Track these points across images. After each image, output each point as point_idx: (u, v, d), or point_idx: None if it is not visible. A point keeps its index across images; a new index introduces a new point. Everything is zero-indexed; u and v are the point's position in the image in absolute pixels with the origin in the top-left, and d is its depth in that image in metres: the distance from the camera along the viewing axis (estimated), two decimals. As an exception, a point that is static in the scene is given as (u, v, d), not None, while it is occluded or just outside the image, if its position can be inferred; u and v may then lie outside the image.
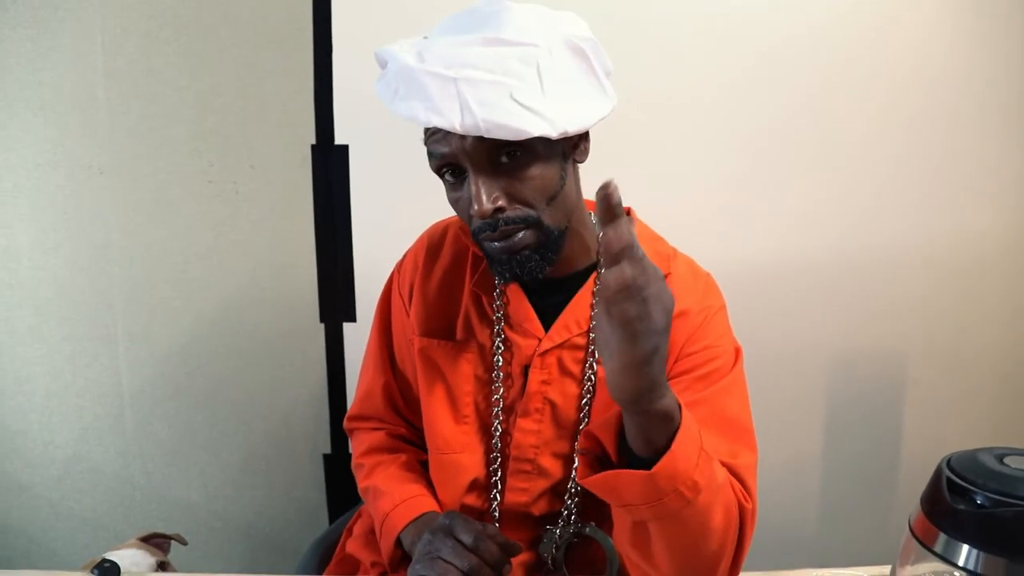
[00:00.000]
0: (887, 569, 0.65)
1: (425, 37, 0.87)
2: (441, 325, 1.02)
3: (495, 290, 1.00)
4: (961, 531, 0.55)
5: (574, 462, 0.97)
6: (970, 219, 1.58)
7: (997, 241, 1.60)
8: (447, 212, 0.98)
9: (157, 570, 1.18)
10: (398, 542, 0.99)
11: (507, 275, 0.91)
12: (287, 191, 1.67)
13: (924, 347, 1.63)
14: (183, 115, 1.67)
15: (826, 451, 1.66)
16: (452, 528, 0.87)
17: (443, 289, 1.03)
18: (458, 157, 0.84)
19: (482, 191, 0.83)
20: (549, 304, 0.98)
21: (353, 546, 1.13)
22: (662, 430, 0.71)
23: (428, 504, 1.01)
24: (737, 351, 0.99)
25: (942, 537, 0.56)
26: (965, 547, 0.54)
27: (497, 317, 0.99)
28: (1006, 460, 0.57)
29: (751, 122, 1.53)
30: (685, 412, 0.74)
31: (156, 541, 1.35)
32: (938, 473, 0.59)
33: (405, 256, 1.11)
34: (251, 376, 1.75)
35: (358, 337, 1.62)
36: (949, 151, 1.56)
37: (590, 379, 0.96)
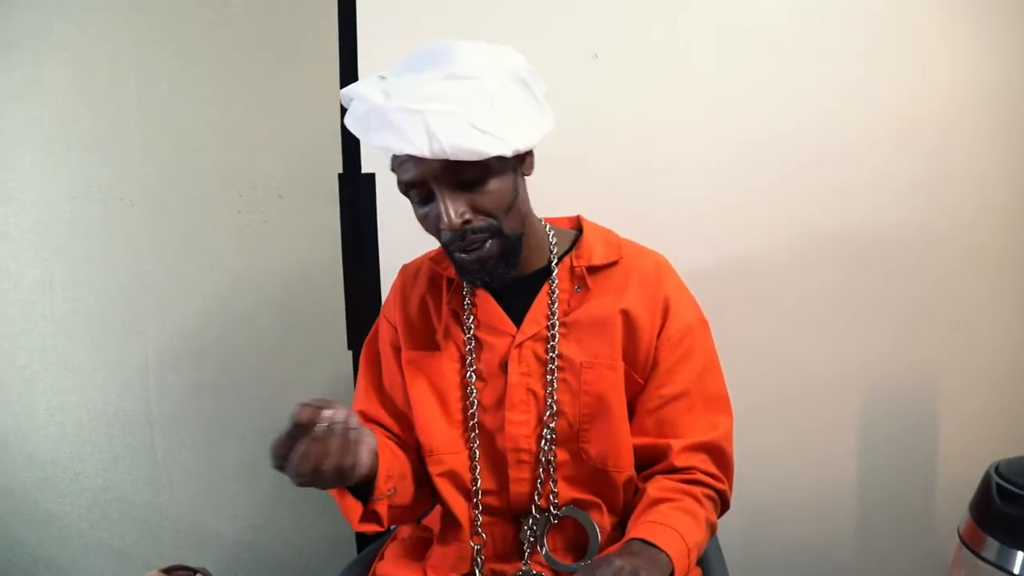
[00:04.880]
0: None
1: (382, 76, 0.99)
2: (423, 339, 1.13)
3: (465, 301, 1.11)
4: (1014, 536, 0.54)
5: (566, 445, 1.07)
6: (1002, 220, 1.56)
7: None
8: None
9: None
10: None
11: (477, 281, 1.06)
12: (315, 219, 1.69)
13: (958, 359, 1.60)
14: (212, 148, 1.71)
15: (861, 471, 1.63)
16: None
17: (422, 309, 1.14)
18: (426, 179, 0.96)
19: (450, 208, 0.95)
20: (514, 304, 1.09)
21: (384, 569, 1.13)
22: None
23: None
24: (704, 323, 1.13)
25: (994, 544, 0.55)
26: (1020, 553, 0.54)
27: (473, 323, 1.10)
28: (1056, 464, 0.57)
29: (773, 124, 1.53)
30: (669, 546, 0.93)
31: (180, 574, 1.35)
32: (986, 479, 0.58)
33: (387, 299, 1.21)
34: (280, 405, 1.74)
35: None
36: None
37: (552, 360, 1.06)
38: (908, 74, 1.52)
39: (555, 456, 1.07)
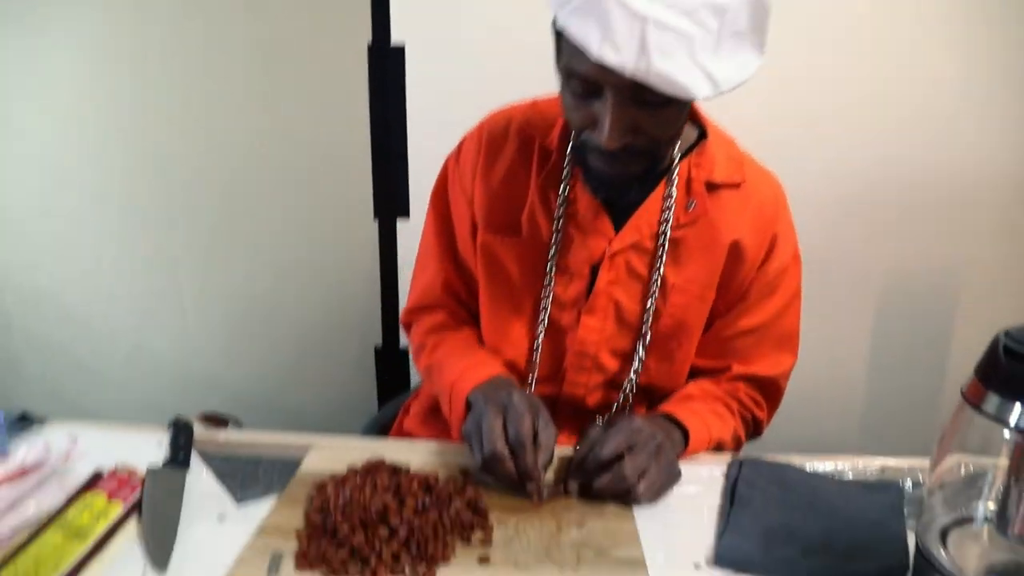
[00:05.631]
0: (927, 461, 0.67)
1: None
2: (505, 220, 1.01)
3: (564, 185, 0.98)
4: (1014, 390, 0.57)
5: (632, 358, 1.01)
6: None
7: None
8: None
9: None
10: (468, 405, 0.95)
11: (601, 193, 0.95)
12: (343, 90, 1.67)
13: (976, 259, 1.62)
14: (239, 18, 1.67)
15: (873, 351, 1.67)
16: (507, 410, 0.84)
17: (507, 183, 1.01)
18: (604, 83, 0.80)
19: (616, 125, 0.81)
20: (618, 204, 0.97)
21: (411, 424, 1.17)
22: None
23: (496, 368, 0.99)
24: (797, 258, 1.05)
25: (994, 398, 0.58)
26: (1018, 404, 0.57)
27: (562, 214, 0.98)
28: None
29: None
30: (692, 428, 0.93)
31: (213, 422, 1.43)
32: (995, 342, 0.61)
33: (462, 147, 1.08)
34: (306, 270, 1.80)
35: (411, 234, 1.64)
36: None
37: (656, 282, 0.98)
38: None
39: (633, 381, 1.02)
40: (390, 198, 1.67)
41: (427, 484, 0.79)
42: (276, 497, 0.83)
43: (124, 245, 1.84)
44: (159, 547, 0.75)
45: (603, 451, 0.82)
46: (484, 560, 0.70)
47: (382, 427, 1.28)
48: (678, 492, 0.85)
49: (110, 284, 1.87)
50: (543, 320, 1.01)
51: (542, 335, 1.02)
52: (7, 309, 1.92)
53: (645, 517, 0.80)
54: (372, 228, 1.70)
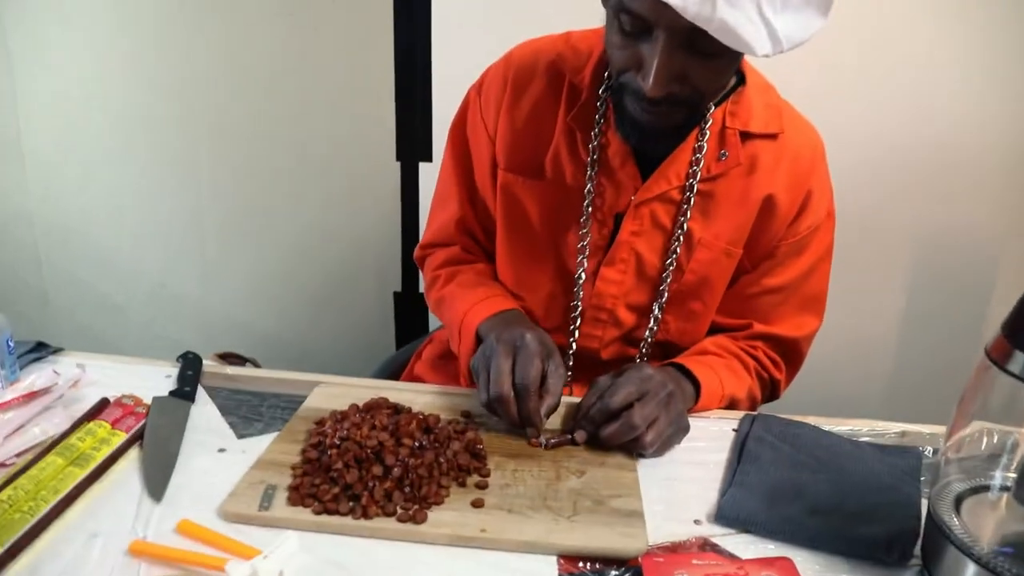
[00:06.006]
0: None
1: None
2: (528, 160, 0.96)
3: (594, 128, 0.92)
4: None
5: (649, 314, 0.98)
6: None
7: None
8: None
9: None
10: (478, 339, 0.93)
11: (633, 139, 0.87)
12: (367, 27, 1.64)
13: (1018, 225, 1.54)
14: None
15: (905, 318, 1.62)
16: (518, 351, 0.81)
17: (532, 121, 0.95)
18: (656, 23, 0.74)
19: (663, 71, 0.75)
20: (648, 151, 0.91)
21: (421, 368, 1.16)
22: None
23: (508, 303, 0.97)
24: (831, 215, 1.00)
25: (1020, 356, 0.54)
26: (1045, 364, 0.53)
27: (592, 160, 0.93)
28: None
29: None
30: (704, 381, 0.90)
31: (232, 360, 1.43)
32: (1022, 300, 0.57)
33: (485, 78, 1.01)
34: (326, 211, 1.79)
35: (433, 177, 1.61)
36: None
37: (679, 238, 0.93)
38: None
39: (650, 338, 0.98)
40: (413, 141, 1.63)
41: (426, 425, 0.78)
42: (277, 433, 0.82)
43: (149, 183, 1.85)
44: (156, 476, 0.75)
45: (613, 400, 0.79)
46: (478, 504, 0.69)
47: (394, 371, 1.27)
48: (685, 445, 0.83)
49: (135, 222, 1.89)
50: (580, 275, 0.96)
51: (557, 282, 0.98)
52: (36, 244, 1.95)
53: (648, 469, 0.78)
54: (394, 171, 1.68)
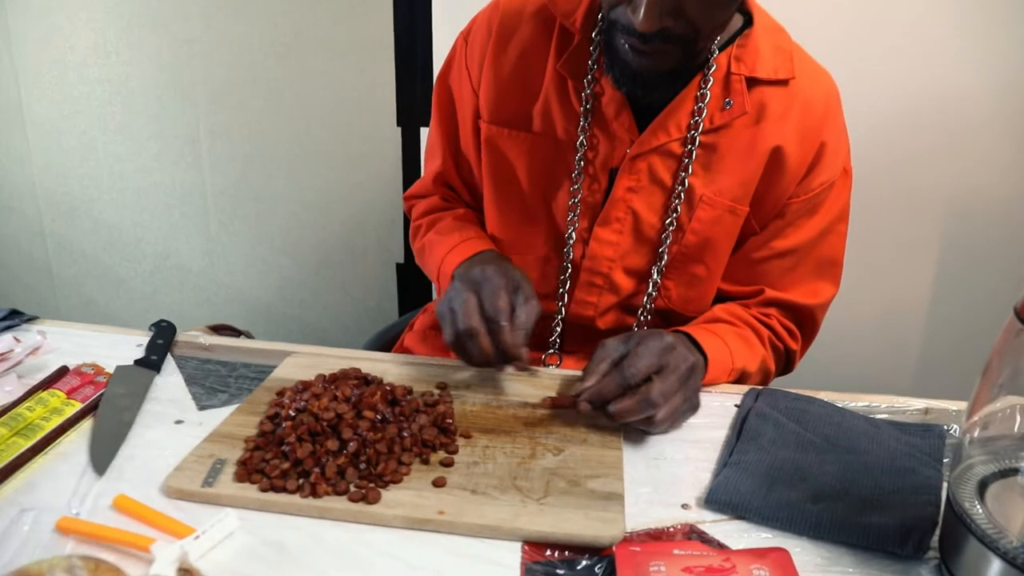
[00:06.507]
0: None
1: None
2: (515, 112, 0.89)
3: (586, 76, 0.84)
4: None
5: (648, 279, 0.91)
6: None
7: None
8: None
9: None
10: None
11: (625, 86, 0.80)
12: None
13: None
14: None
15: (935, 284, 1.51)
16: (482, 286, 0.76)
17: (520, 70, 0.88)
18: None
19: (654, 3, 0.69)
20: (645, 100, 0.84)
21: (411, 340, 1.11)
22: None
23: (483, 244, 0.91)
24: (847, 173, 0.91)
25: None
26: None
27: (584, 109, 0.85)
28: None
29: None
30: (712, 353, 0.80)
31: (225, 332, 1.38)
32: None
33: (473, 25, 0.95)
34: (328, 179, 1.74)
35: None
36: None
37: (679, 195, 0.86)
38: None
39: (649, 304, 0.90)
40: (413, 106, 1.57)
41: (392, 397, 0.71)
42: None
43: (150, 154, 1.81)
44: (102, 449, 0.70)
45: (634, 372, 0.69)
46: (439, 483, 0.62)
47: (388, 343, 1.22)
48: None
49: (137, 194, 1.85)
50: (570, 235, 0.90)
51: (550, 244, 0.91)
52: (40, 215, 1.92)
53: (635, 447, 0.71)
54: (395, 136, 1.61)
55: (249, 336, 1.46)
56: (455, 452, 0.67)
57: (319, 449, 0.64)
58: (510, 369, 0.76)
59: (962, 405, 0.78)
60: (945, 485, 0.57)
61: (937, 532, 0.57)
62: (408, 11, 1.51)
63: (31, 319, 0.98)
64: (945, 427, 0.74)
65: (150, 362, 0.85)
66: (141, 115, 1.77)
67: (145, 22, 1.70)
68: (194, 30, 1.68)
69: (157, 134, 1.78)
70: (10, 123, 1.84)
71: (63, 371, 0.82)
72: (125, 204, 1.86)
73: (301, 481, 0.61)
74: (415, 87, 1.55)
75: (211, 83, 1.71)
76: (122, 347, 0.89)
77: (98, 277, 1.95)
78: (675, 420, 0.73)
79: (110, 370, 0.83)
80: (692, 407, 0.75)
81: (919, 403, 0.79)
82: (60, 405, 0.76)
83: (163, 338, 0.91)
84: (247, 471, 0.63)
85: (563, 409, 0.73)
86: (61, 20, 1.74)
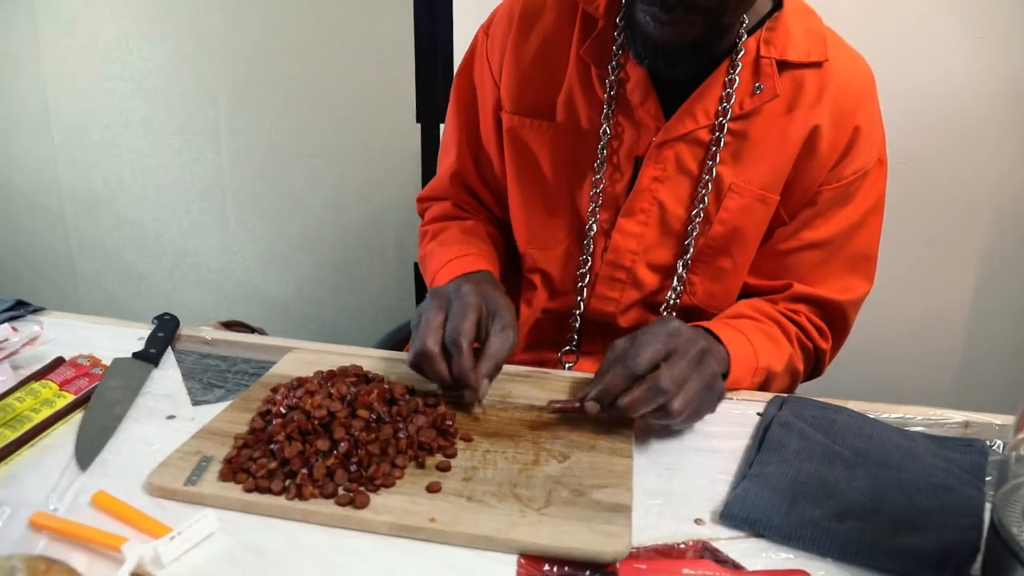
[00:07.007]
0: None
1: None
2: (537, 101, 0.86)
3: (610, 62, 0.81)
4: None
5: (672, 274, 0.86)
6: None
7: None
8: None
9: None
10: None
11: (648, 59, 0.76)
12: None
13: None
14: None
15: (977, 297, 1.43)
16: (451, 303, 0.71)
17: (542, 57, 0.85)
18: None
19: None
20: (673, 86, 0.81)
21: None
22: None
23: (478, 263, 0.87)
24: (882, 163, 0.86)
25: None
26: None
27: (609, 96, 0.82)
28: None
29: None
30: (735, 350, 0.76)
31: (238, 328, 1.36)
32: None
33: (494, 17, 0.91)
34: (346, 176, 1.72)
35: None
36: None
37: (707, 185, 0.82)
38: None
39: (674, 300, 0.86)
40: (433, 103, 1.54)
41: (390, 396, 0.67)
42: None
43: (173, 150, 1.81)
44: (88, 443, 0.67)
45: (638, 361, 0.64)
46: (433, 489, 0.58)
47: (401, 341, 1.19)
48: (696, 429, 0.70)
49: (157, 190, 1.85)
50: (590, 227, 0.86)
51: (573, 235, 0.88)
52: (62, 210, 1.93)
53: (647, 455, 0.66)
54: (414, 133, 1.59)
55: (263, 333, 1.43)
56: (453, 456, 0.63)
57: (308, 449, 0.60)
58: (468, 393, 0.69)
59: (1006, 419, 0.72)
60: (988, 506, 0.51)
61: (979, 559, 0.52)
62: (428, 7, 1.48)
63: (37, 310, 0.96)
64: (988, 442, 0.69)
65: (148, 355, 0.83)
66: (163, 111, 1.77)
67: (167, 19, 1.71)
68: (215, 27, 1.67)
69: (178, 130, 1.78)
70: (36, 120, 1.85)
71: (58, 362, 0.80)
72: (147, 200, 1.86)
73: (287, 482, 0.58)
74: (435, 84, 1.52)
75: (232, 80, 1.71)
76: (123, 340, 0.87)
77: (119, 273, 1.95)
78: (696, 409, 0.66)
79: (108, 362, 0.80)
80: (714, 394, 0.68)
81: (958, 416, 0.73)
82: (52, 396, 0.73)
83: (164, 331, 0.89)
84: (232, 470, 0.59)
85: (569, 414, 0.69)
86: (85, 17, 1.75)
